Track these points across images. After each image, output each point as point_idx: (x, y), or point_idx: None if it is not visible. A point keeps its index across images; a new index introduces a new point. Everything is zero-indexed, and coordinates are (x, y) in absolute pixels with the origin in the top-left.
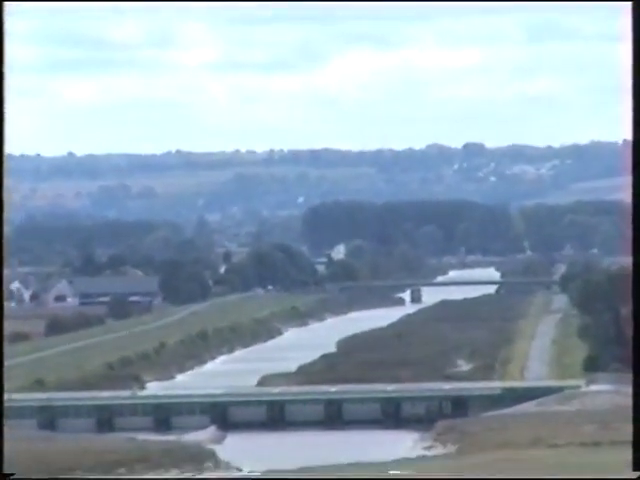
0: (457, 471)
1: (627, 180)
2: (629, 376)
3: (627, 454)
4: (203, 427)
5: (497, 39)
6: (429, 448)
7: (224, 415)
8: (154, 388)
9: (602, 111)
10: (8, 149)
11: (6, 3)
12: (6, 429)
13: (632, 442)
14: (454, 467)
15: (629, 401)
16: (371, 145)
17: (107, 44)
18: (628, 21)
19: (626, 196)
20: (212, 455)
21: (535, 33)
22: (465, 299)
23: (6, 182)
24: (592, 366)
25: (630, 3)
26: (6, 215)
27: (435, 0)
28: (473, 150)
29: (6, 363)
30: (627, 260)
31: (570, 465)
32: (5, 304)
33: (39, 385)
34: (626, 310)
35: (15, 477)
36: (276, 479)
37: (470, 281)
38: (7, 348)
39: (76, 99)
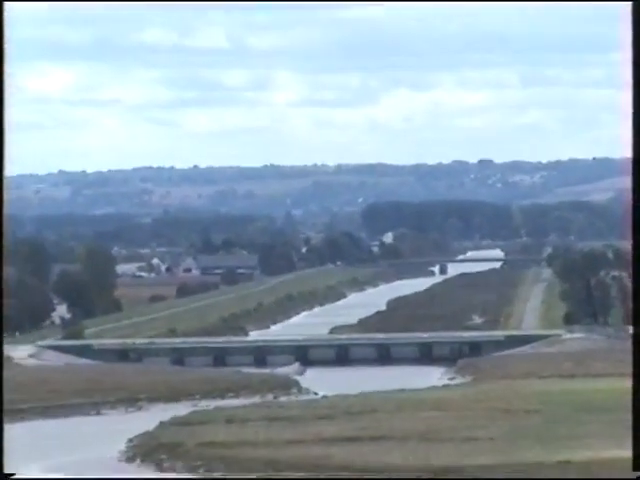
0: (474, 394)
1: (596, 186)
2: (597, 327)
3: (593, 383)
4: (289, 363)
5: (501, 84)
6: (452, 379)
7: (305, 355)
8: (254, 335)
9: (577, 136)
10: (151, 162)
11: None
12: (146, 365)
13: (632, 443)
14: (471, 392)
15: (597, 345)
16: (411, 160)
17: (219, 87)
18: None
19: (595, 197)
20: (296, 383)
21: (527, 80)
22: (479, 272)
23: (148, 186)
24: (570, 320)
25: (630, 3)
26: (141, 210)
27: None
28: (485, 164)
29: (148, 317)
30: (595, 244)
31: (554, 393)
32: (146, 274)
33: (172, 332)
34: (594, 280)
35: (15, 477)
36: (279, 479)
37: (482, 258)
38: (148, 306)
39: (198, 127)
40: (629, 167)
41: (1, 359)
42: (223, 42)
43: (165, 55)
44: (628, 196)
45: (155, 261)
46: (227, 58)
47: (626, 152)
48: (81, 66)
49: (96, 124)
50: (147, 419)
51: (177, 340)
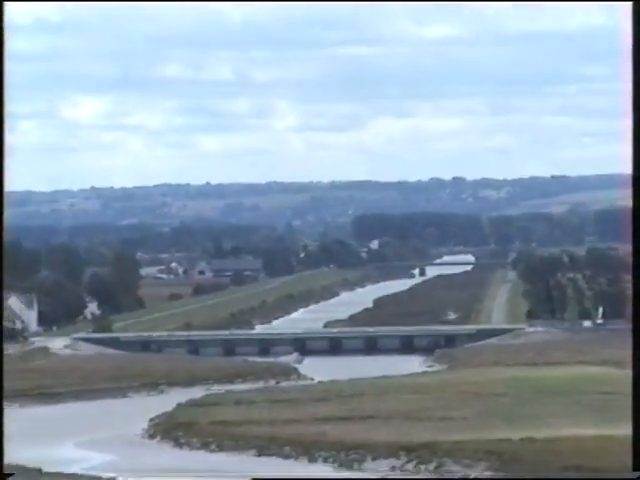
0: (449, 380)
1: (554, 200)
2: (555, 322)
3: (553, 371)
4: (289, 353)
5: (472, 112)
6: (430, 366)
7: (303, 346)
8: (259, 329)
9: (537, 157)
10: (170, 180)
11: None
12: (166, 355)
13: (632, 442)
14: (447, 378)
15: (555, 338)
16: (395, 178)
17: (227, 114)
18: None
19: (553, 210)
20: (295, 370)
21: (495, 109)
22: (453, 274)
23: (167, 200)
24: (531, 315)
25: (630, 4)
26: (161, 221)
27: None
28: (458, 181)
29: (167, 313)
30: (553, 250)
31: (518, 378)
32: (166, 276)
33: (187, 326)
34: (553, 281)
35: (15, 477)
36: (283, 479)
37: (456, 262)
38: (167, 304)
39: (210, 149)
40: (586, 182)
41: (1, 356)
42: (230, 76)
43: (181, 87)
44: (581, 209)
45: (173, 265)
46: (234, 89)
47: (579, 171)
48: (109, 96)
49: (122, 146)
50: (167, 401)
51: (192, 333)
